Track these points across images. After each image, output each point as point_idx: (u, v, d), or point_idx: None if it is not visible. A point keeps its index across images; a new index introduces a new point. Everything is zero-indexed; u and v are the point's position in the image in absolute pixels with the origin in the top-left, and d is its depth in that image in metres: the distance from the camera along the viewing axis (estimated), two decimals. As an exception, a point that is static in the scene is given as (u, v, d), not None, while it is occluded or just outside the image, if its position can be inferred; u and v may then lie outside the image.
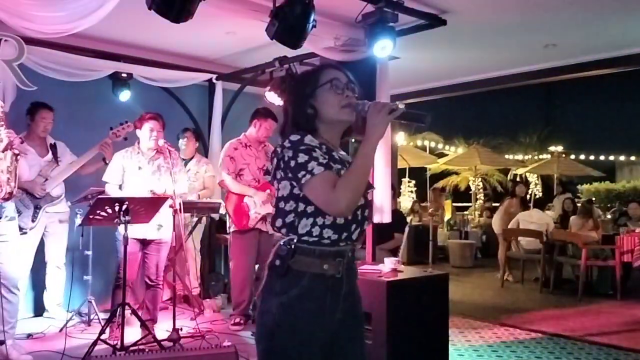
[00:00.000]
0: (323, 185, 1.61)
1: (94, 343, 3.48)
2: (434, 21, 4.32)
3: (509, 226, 7.50)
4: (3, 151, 3.34)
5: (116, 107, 5.21)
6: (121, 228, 3.59)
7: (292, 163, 1.64)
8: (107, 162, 4.31)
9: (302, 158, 1.63)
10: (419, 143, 14.77)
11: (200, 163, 5.45)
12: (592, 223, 7.09)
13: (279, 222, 1.72)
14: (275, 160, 1.72)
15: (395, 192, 7.36)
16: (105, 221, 3.63)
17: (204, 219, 5.43)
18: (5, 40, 3.95)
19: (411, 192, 13.89)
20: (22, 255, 4.17)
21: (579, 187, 15.93)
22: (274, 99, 5.22)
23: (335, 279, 1.70)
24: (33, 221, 4.34)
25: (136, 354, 3.18)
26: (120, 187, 4.08)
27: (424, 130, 14.95)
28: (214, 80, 5.86)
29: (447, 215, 11.86)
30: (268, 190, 4.42)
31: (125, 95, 5.31)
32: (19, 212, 4.10)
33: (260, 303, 1.72)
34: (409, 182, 13.95)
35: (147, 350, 3.54)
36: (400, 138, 10.96)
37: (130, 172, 4.08)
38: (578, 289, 6.37)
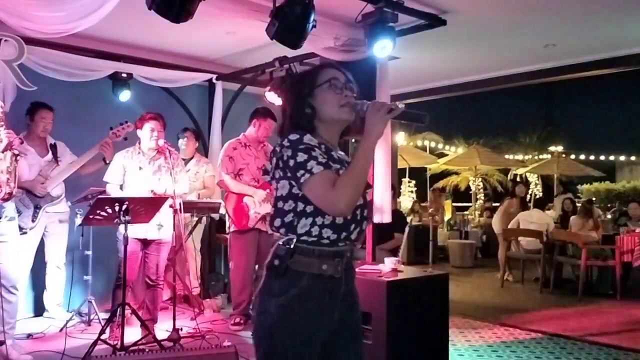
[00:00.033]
0: (322, 184, 1.61)
1: (94, 343, 3.48)
2: (434, 21, 4.32)
3: (509, 226, 7.50)
4: (3, 151, 3.34)
5: (116, 107, 5.21)
6: (122, 228, 3.59)
7: (291, 162, 1.64)
8: (107, 162, 4.31)
9: (301, 157, 1.63)
10: (419, 143, 14.78)
11: (200, 163, 5.46)
12: (592, 223, 7.09)
13: (277, 222, 1.71)
14: (274, 159, 1.72)
15: (395, 192, 7.37)
16: (105, 221, 3.63)
17: (204, 218, 5.43)
18: (5, 40, 3.95)
19: (411, 192, 13.90)
20: (22, 255, 4.17)
21: (579, 187, 15.93)
22: (274, 99, 5.22)
23: (334, 279, 1.70)
24: (33, 221, 4.35)
25: (136, 354, 3.18)
26: (121, 187, 4.08)
27: (423, 130, 14.96)
28: (214, 80, 5.86)
29: (447, 215, 11.86)
30: (268, 190, 4.42)
31: (125, 95, 5.31)
32: (19, 212, 4.10)
33: (258, 303, 1.71)
34: (409, 182, 13.95)
35: (147, 350, 3.54)
36: (400, 138, 10.96)
37: (131, 172, 4.08)
38: (578, 289, 6.37)
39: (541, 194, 15.03)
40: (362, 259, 4.18)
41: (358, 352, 1.81)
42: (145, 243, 4.10)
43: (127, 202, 3.54)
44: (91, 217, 3.57)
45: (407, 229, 5.68)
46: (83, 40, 4.71)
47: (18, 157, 3.45)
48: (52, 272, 4.69)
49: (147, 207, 3.70)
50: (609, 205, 14.27)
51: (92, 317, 4.56)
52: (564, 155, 15.44)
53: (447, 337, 3.46)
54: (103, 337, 3.55)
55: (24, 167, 3.98)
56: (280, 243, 1.69)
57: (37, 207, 4.37)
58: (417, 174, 14.51)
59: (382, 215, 4.34)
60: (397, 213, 5.53)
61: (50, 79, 4.48)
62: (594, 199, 14.17)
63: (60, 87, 4.77)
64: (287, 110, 1.80)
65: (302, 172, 1.62)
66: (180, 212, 3.97)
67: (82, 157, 4.44)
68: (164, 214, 3.99)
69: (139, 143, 4.15)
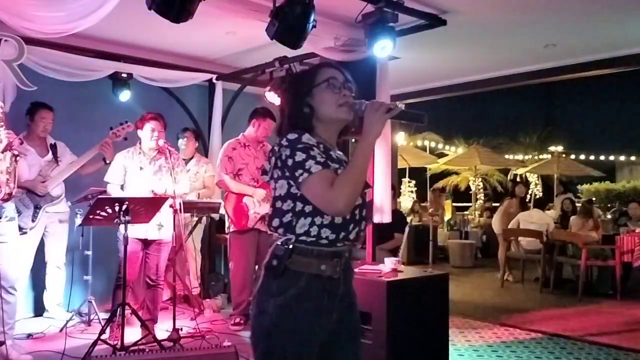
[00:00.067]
0: (321, 183, 1.60)
1: (94, 343, 3.48)
2: (434, 21, 4.32)
3: (509, 226, 7.50)
4: (2, 152, 3.33)
5: (116, 107, 5.21)
6: (122, 228, 3.59)
7: (290, 162, 1.64)
8: (107, 162, 4.31)
9: (299, 156, 1.63)
10: (419, 143, 14.78)
11: (200, 163, 5.46)
12: (592, 223, 7.09)
13: (276, 222, 1.71)
14: (272, 159, 1.71)
15: (396, 192, 7.37)
16: (105, 221, 3.63)
17: (204, 218, 5.43)
18: (5, 40, 3.95)
19: (411, 192, 13.90)
20: (22, 255, 4.17)
21: (579, 187, 15.93)
22: (274, 99, 5.22)
23: (332, 280, 1.69)
24: (33, 221, 4.35)
25: (136, 354, 3.18)
26: (122, 187, 4.09)
27: (423, 130, 14.96)
28: (214, 80, 5.86)
29: (447, 216, 11.86)
30: (267, 190, 4.42)
31: (125, 95, 5.31)
32: (19, 212, 4.10)
33: (256, 303, 1.70)
34: (409, 182, 13.96)
35: (147, 350, 3.54)
36: (400, 138, 10.96)
37: (131, 173, 4.08)
38: (578, 289, 6.37)
39: (541, 194, 15.03)
40: (362, 259, 4.19)
41: (357, 352, 1.80)
42: (146, 243, 4.10)
43: (127, 202, 3.54)
44: (91, 217, 3.57)
45: (407, 229, 5.68)
46: (83, 40, 4.71)
47: (18, 158, 3.45)
48: (52, 272, 4.69)
49: (147, 207, 3.70)
50: (609, 205, 14.26)
51: (92, 317, 4.56)
52: (564, 155, 15.44)
53: (447, 337, 3.46)
54: (103, 337, 3.55)
55: (24, 167, 3.98)
56: (279, 243, 1.68)
57: (37, 207, 4.37)
58: (417, 174, 14.51)
59: (382, 215, 4.34)
60: (397, 213, 5.53)
61: (50, 79, 4.48)
62: (594, 199, 14.17)
63: (60, 87, 4.77)
64: (286, 109, 1.79)
65: (300, 171, 1.61)
66: (180, 212, 3.97)
67: (82, 157, 4.44)
68: (164, 214, 3.99)
69: (140, 143, 4.15)
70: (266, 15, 3.56)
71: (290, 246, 1.66)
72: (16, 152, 3.41)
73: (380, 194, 4.33)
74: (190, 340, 4.03)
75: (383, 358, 3.03)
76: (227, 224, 4.71)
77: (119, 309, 3.68)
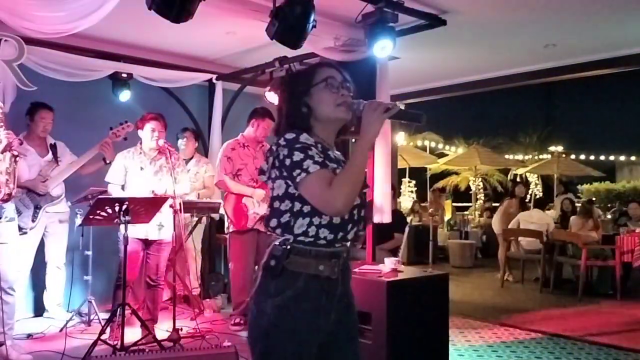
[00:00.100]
0: (319, 183, 1.60)
1: (94, 343, 3.48)
2: (434, 21, 4.32)
3: (509, 226, 7.50)
4: (2, 152, 3.33)
5: (116, 107, 5.21)
6: (123, 228, 3.59)
7: (288, 161, 1.63)
8: (107, 162, 4.31)
9: (297, 156, 1.62)
10: (419, 143, 14.78)
11: (200, 163, 5.45)
12: (592, 223, 7.09)
13: (273, 222, 1.70)
14: (270, 159, 1.71)
15: (396, 192, 7.37)
16: (105, 221, 3.63)
17: (204, 218, 5.43)
18: (5, 40, 3.95)
19: (411, 192, 13.90)
20: (22, 255, 4.17)
21: (579, 187, 15.93)
22: (274, 99, 5.22)
23: (330, 280, 1.69)
24: (33, 221, 4.35)
25: (136, 354, 3.18)
26: (122, 187, 4.09)
27: (423, 130, 14.97)
28: (214, 80, 5.86)
29: (447, 216, 11.87)
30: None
31: (125, 95, 5.31)
32: (19, 212, 4.10)
33: (254, 304, 1.69)
34: (409, 182, 13.96)
35: (147, 350, 3.54)
36: (400, 138, 10.96)
37: (132, 173, 4.08)
38: (578, 289, 6.37)
39: (541, 194, 15.03)
40: (362, 259, 4.19)
41: (355, 353, 1.80)
42: (147, 243, 4.10)
43: (127, 202, 3.54)
44: (91, 217, 3.57)
45: (407, 229, 5.68)
46: (83, 40, 4.71)
47: (17, 158, 3.45)
48: (52, 272, 4.69)
49: (147, 207, 3.70)
50: (609, 205, 14.27)
51: (92, 317, 4.56)
52: (564, 155, 15.44)
53: (447, 337, 3.46)
54: (103, 337, 3.55)
55: (24, 168, 3.98)
56: (277, 243, 1.68)
57: (37, 207, 4.37)
58: (417, 174, 14.51)
59: (382, 215, 4.34)
60: (397, 213, 5.54)
61: (50, 79, 4.48)
62: (594, 199, 14.17)
63: (60, 87, 4.77)
64: (283, 109, 1.79)
65: (298, 171, 1.61)
66: (180, 212, 3.97)
67: (82, 157, 4.44)
68: (165, 214, 3.99)
69: (141, 143, 4.15)
70: (266, 15, 3.56)
71: (288, 246, 1.65)
72: (16, 153, 3.41)
73: (380, 194, 4.33)
74: (190, 340, 4.02)
75: (383, 358, 3.03)
76: (226, 224, 4.71)
77: (119, 309, 3.68)
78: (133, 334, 3.85)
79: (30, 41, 4.03)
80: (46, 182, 4.38)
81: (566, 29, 4.82)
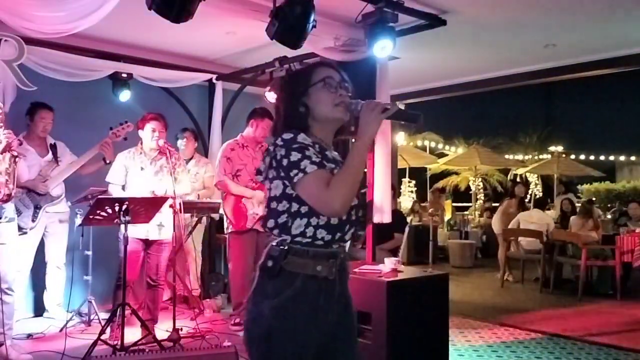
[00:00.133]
0: (316, 183, 1.59)
1: (94, 343, 3.48)
2: (434, 21, 4.32)
3: (509, 226, 7.50)
4: (2, 153, 3.33)
5: (116, 107, 5.21)
6: (123, 228, 3.59)
7: (285, 161, 1.62)
8: (107, 162, 4.31)
9: (294, 156, 1.61)
10: (419, 143, 14.78)
11: (200, 163, 5.45)
12: (592, 223, 7.09)
13: (271, 223, 1.69)
14: (267, 159, 1.70)
15: (395, 192, 7.36)
16: (105, 221, 3.63)
17: (204, 219, 5.43)
18: (5, 40, 3.95)
19: (411, 192, 13.90)
20: (21, 255, 4.17)
21: (579, 187, 15.93)
22: (274, 99, 5.21)
23: (328, 281, 1.68)
24: (33, 221, 4.35)
25: (136, 354, 3.18)
26: (123, 187, 4.09)
27: (423, 130, 14.98)
28: (214, 80, 5.86)
29: (447, 216, 11.87)
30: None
31: (125, 95, 5.31)
32: (19, 212, 4.10)
33: (251, 305, 1.68)
34: (409, 182, 13.96)
35: (147, 350, 3.54)
36: (400, 138, 10.96)
37: (133, 173, 4.08)
38: (578, 289, 6.37)
39: (541, 194, 15.03)
40: (362, 259, 4.18)
41: (355, 354, 1.79)
42: (147, 243, 4.10)
43: (127, 202, 3.54)
44: (91, 217, 3.57)
45: (407, 229, 5.67)
46: (83, 40, 4.71)
47: (17, 159, 3.45)
48: (52, 272, 4.68)
49: (147, 207, 3.70)
50: (609, 205, 14.27)
51: (92, 317, 4.56)
52: (564, 155, 15.44)
53: (447, 337, 3.46)
54: (103, 337, 3.55)
55: (23, 168, 3.98)
56: (274, 244, 1.67)
57: (37, 207, 4.37)
58: (417, 174, 14.51)
59: (382, 215, 4.34)
60: (397, 213, 5.53)
61: (50, 79, 4.48)
62: (594, 199, 14.17)
63: (60, 87, 4.77)
64: (281, 108, 1.78)
65: (295, 171, 1.60)
66: (180, 212, 3.97)
67: (82, 157, 4.44)
68: (165, 214, 3.99)
69: (141, 143, 4.15)
70: (266, 15, 3.56)
71: (286, 247, 1.65)
72: (15, 153, 3.41)
73: (380, 194, 4.33)
74: (190, 340, 4.03)
75: (383, 358, 3.03)
76: (225, 225, 4.70)
77: (119, 309, 3.68)
78: (133, 334, 3.85)
79: (30, 41, 4.03)
80: (46, 182, 4.38)
81: (566, 29, 4.82)
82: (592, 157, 17.50)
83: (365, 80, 4.22)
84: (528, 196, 13.46)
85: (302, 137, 1.65)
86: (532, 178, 15.61)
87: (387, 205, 4.39)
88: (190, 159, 5.42)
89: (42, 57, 4.38)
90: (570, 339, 4.54)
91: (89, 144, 4.41)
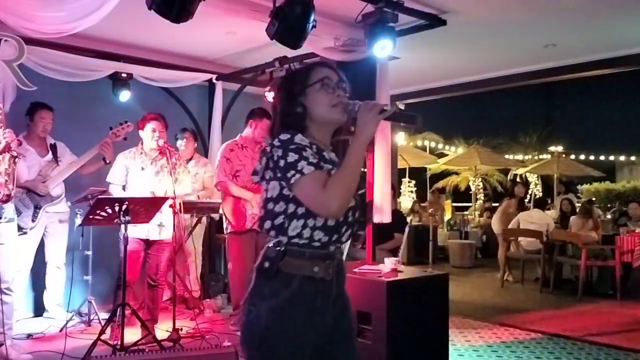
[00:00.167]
0: (313, 185, 1.58)
1: (94, 343, 3.48)
2: (434, 21, 4.32)
3: (509, 226, 7.50)
4: (1, 153, 3.33)
5: (116, 107, 5.21)
6: (124, 228, 3.59)
7: (282, 162, 1.61)
8: (107, 162, 4.31)
9: (291, 157, 1.60)
10: (419, 143, 14.79)
11: (200, 164, 5.44)
12: (592, 223, 7.09)
13: (267, 224, 1.68)
14: (264, 159, 1.68)
15: (396, 192, 7.37)
16: (105, 221, 3.63)
17: (204, 219, 5.42)
18: (5, 40, 3.94)
19: (411, 192, 13.91)
20: (21, 255, 4.18)
21: (579, 187, 15.94)
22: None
23: (325, 282, 1.67)
24: (33, 221, 4.35)
25: (136, 354, 3.18)
26: (123, 187, 4.09)
27: (424, 130, 14.98)
28: (214, 80, 5.86)
29: (447, 216, 11.87)
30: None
31: (125, 95, 5.31)
32: (19, 212, 4.10)
33: (247, 307, 1.67)
34: (409, 182, 13.96)
35: (147, 350, 3.54)
36: (400, 138, 10.97)
37: (133, 173, 4.08)
38: (578, 289, 6.37)
39: (541, 194, 15.04)
40: (362, 259, 4.18)
41: (353, 355, 1.78)
42: (148, 244, 4.10)
43: (126, 203, 3.54)
44: (91, 217, 3.57)
45: (407, 229, 5.67)
46: (83, 40, 4.71)
47: (17, 159, 3.45)
48: (52, 272, 4.68)
49: (146, 207, 3.70)
50: (609, 205, 14.27)
51: (92, 317, 4.56)
52: (564, 155, 15.45)
53: (447, 337, 3.46)
54: (103, 337, 3.55)
55: (23, 168, 3.98)
56: (270, 245, 1.66)
57: (37, 207, 4.36)
58: (417, 174, 14.52)
59: (382, 215, 4.34)
60: (397, 213, 5.53)
61: (50, 79, 4.48)
62: (594, 199, 14.17)
63: (60, 87, 4.77)
64: (278, 108, 1.76)
65: (292, 172, 1.58)
66: (180, 212, 3.96)
67: (82, 157, 4.44)
68: (166, 214, 3.99)
69: (142, 144, 4.15)
70: (266, 15, 3.56)
71: (282, 248, 1.64)
72: (15, 154, 3.41)
73: (380, 194, 4.33)
74: (190, 340, 4.03)
75: (383, 358, 3.03)
76: (224, 225, 4.70)
77: (119, 309, 3.68)
78: (133, 334, 3.84)
79: (30, 41, 4.03)
80: (46, 182, 4.38)
81: (566, 29, 4.82)
82: (592, 157, 17.50)
83: (365, 80, 4.22)
84: (528, 196, 13.46)
85: (299, 138, 1.64)
86: (532, 178, 15.62)
87: (387, 205, 4.39)
88: (190, 159, 5.41)
89: (42, 57, 4.38)
90: (570, 339, 4.54)
91: (89, 144, 4.41)
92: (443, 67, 6.13)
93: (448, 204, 12.69)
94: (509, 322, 5.10)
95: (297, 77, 1.79)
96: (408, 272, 3.48)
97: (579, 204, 9.12)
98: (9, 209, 3.53)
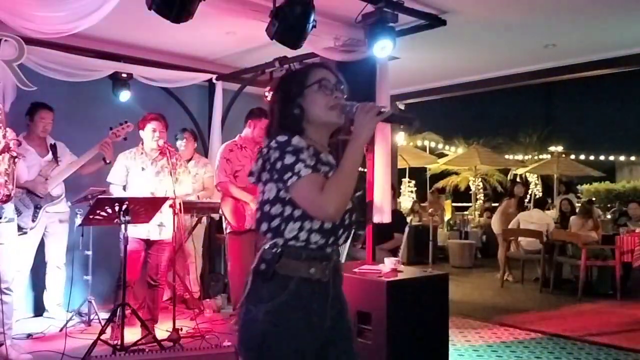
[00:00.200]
0: (310, 187, 1.57)
1: (94, 343, 3.48)
2: (434, 21, 4.33)
3: (509, 226, 7.51)
4: (1, 153, 3.33)
5: (116, 107, 5.21)
6: (124, 228, 3.59)
7: (279, 164, 1.60)
8: (107, 162, 4.31)
9: (288, 159, 1.58)
10: (419, 143, 14.79)
11: (200, 164, 5.43)
12: (592, 223, 7.09)
13: (264, 227, 1.67)
14: (260, 161, 1.67)
15: (396, 192, 7.36)
16: (105, 221, 3.63)
17: (204, 219, 5.42)
18: (5, 40, 3.94)
19: (411, 192, 13.91)
20: (21, 255, 4.18)
21: (579, 187, 15.95)
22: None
23: (322, 283, 1.66)
24: (33, 221, 4.34)
25: (136, 354, 3.18)
26: (124, 188, 4.09)
27: (424, 130, 14.99)
28: (214, 81, 5.86)
29: (447, 216, 11.87)
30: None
31: (125, 96, 5.31)
32: (19, 212, 4.10)
33: (245, 309, 1.65)
34: (409, 182, 13.96)
35: (147, 350, 3.54)
36: (400, 138, 10.96)
37: (134, 173, 4.08)
38: (578, 289, 6.37)
39: (541, 194, 15.05)
40: (362, 259, 4.18)
41: (352, 357, 1.77)
42: (148, 244, 4.10)
43: (126, 202, 3.54)
44: (91, 217, 3.57)
45: (407, 229, 5.67)
46: (83, 40, 4.71)
47: (16, 159, 3.45)
48: (52, 272, 4.69)
49: (146, 207, 3.70)
50: (609, 205, 14.28)
51: (92, 317, 4.56)
52: (564, 155, 15.45)
53: (447, 337, 3.46)
54: (103, 337, 3.55)
55: (23, 168, 3.98)
56: (266, 247, 1.65)
57: (37, 207, 4.36)
58: (417, 174, 14.52)
59: (382, 215, 4.34)
60: (397, 213, 5.53)
61: (50, 79, 4.48)
62: (594, 199, 14.18)
63: (60, 87, 4.77)
64: (275, 109, 1.75)
65: (289, 174, 1.57)
66: (180, 212, 3.96)
67: (82, 157, 4.44)
68: (166, 214, 3.99)
69: (142, 144, 4.15)
70: (266, 15, 3.56)
71: (279, 250, 1.63)
72: (14, 154, 3.41)
73: (380, 194, 4.33)
74: (190, 340, 4.02)
75: (383, 358, 3.03)
76: (224, 225, 4.70)
77: (119, 309, 3.68)
78: (133, 334, 3.85)
79: (30, 41, 4.03)
80: (46, 183, 4.38)
81: (566, 29, 4.82)
82: (592, 157, 17.51)
83: (365, 80, 4.22)
84: (528, 196, 13.47)
85: (296, 140, 1.62)
86: (532, 178, 15.62)
87: (387, 205, 4.39)
88: (190, 159, 5.40)
89: (42, 57, 4.38)
90: (570, 339, 4.54)
91: (89, 144, 4.41)
92: (443, 67, 6.13)
93: (448, 204, 12.70)
94: (509, 322, 5.10)
95: (294, 78, 1.78)
96: (408, 272, 3.48)
97: (579, 204, 9.12)
98: (9, 209, 3.53)
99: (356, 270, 3.38)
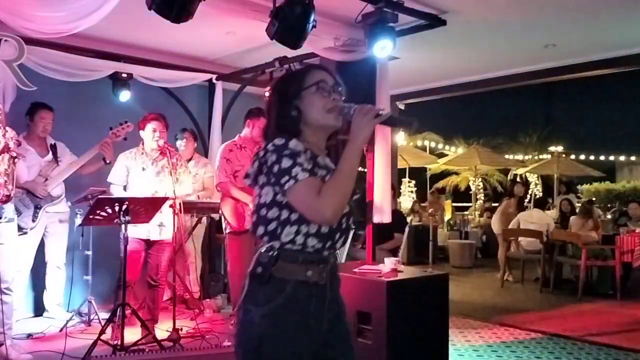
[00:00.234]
0: (307, 191, 1.56)
1: (94, 343, 3.48)
2: (433, 21, 4.33)
3: (510, 226, 7.51)
4: (0, 153, 3.33)
5: (116, 107, 5.21)
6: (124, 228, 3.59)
7: (275, 168, 1.58)
8: (107, 162, 4.31)
9: (285, 163, 1.57)
10: (419, 143, 14.80)
11: (200, 164, 5.43)
12: (592, 223, 7.09)
13: (260, 230, 1.65)
14: (257, 163, 1.66)
15: (396, 192, 7.36)
16: (105, 221, 3.63)
17: (204, 219, 5.42)
18: (5, 40, 3.94)
19: (411, 192, 13.92)
20: (22, 255, 4.17)
21: (579, 187, 15.95)
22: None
23: (319, 286, 1.65)
24: (33, 221, 4.35)
25: (136, 354, 3.18)
26: (124, 188, 4.09)
27: (424, 130, 14.99)
28: (214, 81, 5.86)
29: (447, 216, 11.87)
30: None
31: (125, 96, 5.31)
32: (19, 212, 4.10)
33: (241, 312, 1.64)
34: (409, 182, 13.97)
35: (147, 350, 3.54)
36: (400, 138, 10.97)
37: (134, 173, 4.08)
38: (578, 289, 6.37)
39: (541, 194, 15.05)
40: (362, 259, 4.18)
41: (351, 359, 1.76)
42: (149, 244, 4.10)
43: (126, 203, 3.54)
44: (91, 217, 3.57)
45: (407, 229, 5.67)
46: (83, 40, 4.71)
47: (16, 159, 3.45)
48: (52, 272, 4.68)
49: (146, 207, 3.70)
50: (609, 205, 14.28)
51: (92, 317, 4.56)
52: (564, 155, 15.46)
53: (447, 337, 3.46)
54: (103, 337, 3.55)
55: (23, 169, 3.97)
56: (263, 250, 1.64)
57: (37, 207, 4.36)
58: (417, 174, 14.52)
59: (382, 215, 4.34)
60: (397, 213, 5.53)
61: (50, 79, 4.48)
62: (594, 199, 14.18)
63: (60, 87, 4.77)
64: (273, 111, 1.74)
65: (286, 177, 1.56)
66: (180, 212, 3.96)
67: (82, 157, 4.44)
68: (166, 214, 3.99)
69: (142, 144, 4.15)
70: (266, 15, 3.56)
71: (275, 253, 1.62)
72: (14, 154, 3.41)
73: (380, 194, 4.33)
74: (190, 340, 4.02)
75: (383, 358, 3.02)
76: (223, 225, 4.69)
77: (119, 309, 3.68)
78: (133, 334, 3.84)
79: (30, 41, 4.03)
80: (46, 183, 4.38)
81: (566, 29, 4.82)
82: (592, 157, 17.52)
83: (365, 80, 4.22)
84: (528, 196, 13.47)
85: (294, 144, 1.61)
86: (532, 178, 15.63)
87: (387, 205, 4.39)
88: (190, 159, 5.40)
89: (42, 57, 4.38)
90: (570, 339, 4.54)
91: (89, 144, 4.41)
92: (443, 67, 6.13)
93: (448, 204, 12.70)
94: (509, 322, 5.11)
95: (292, 79, 1.77)
96: (408, 272, 3.48)
97: (579, 204, 9.12)
98: (9, 209, 3.53)
99: (356, 270, 3.37)
